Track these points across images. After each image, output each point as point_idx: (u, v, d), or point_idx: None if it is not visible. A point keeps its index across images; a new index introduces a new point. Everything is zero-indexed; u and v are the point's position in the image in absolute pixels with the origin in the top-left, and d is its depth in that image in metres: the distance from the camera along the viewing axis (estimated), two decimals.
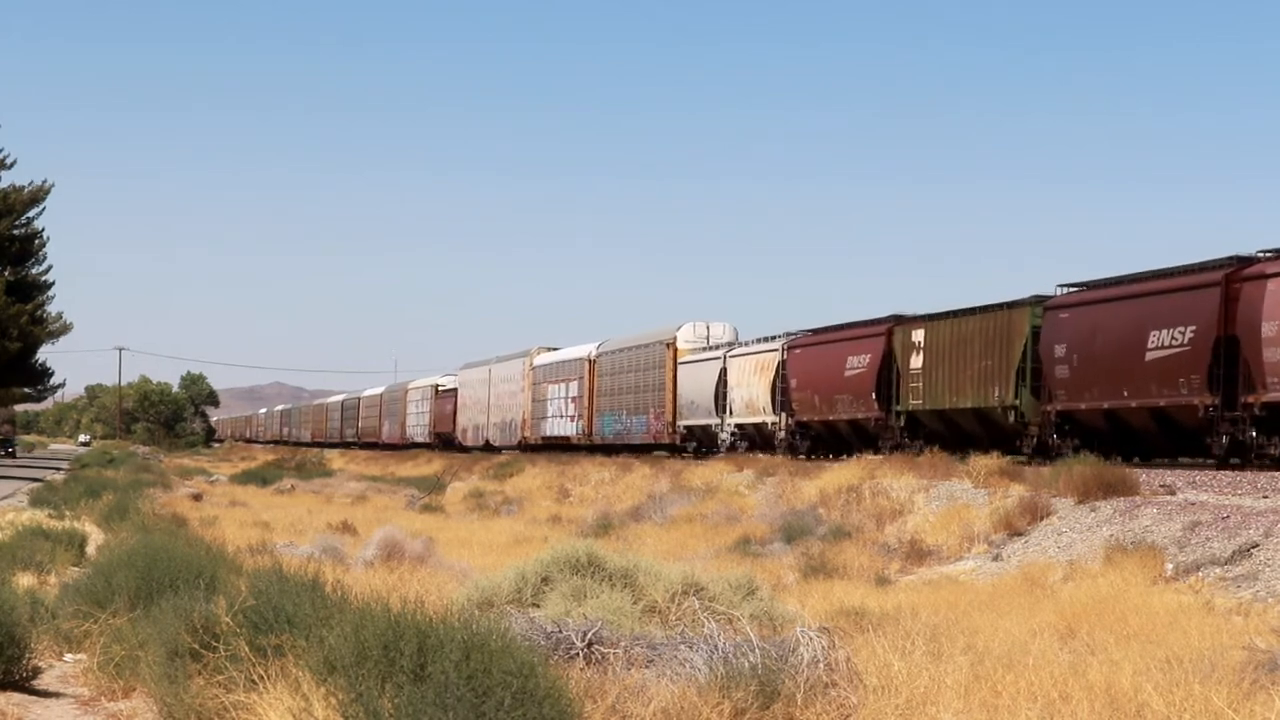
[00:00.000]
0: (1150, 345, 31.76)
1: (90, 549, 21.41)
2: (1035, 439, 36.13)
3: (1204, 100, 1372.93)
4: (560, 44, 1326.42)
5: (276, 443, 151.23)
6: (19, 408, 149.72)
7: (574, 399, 70.98)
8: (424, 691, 7.90)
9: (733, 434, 54.08)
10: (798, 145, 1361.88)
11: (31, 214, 72.77)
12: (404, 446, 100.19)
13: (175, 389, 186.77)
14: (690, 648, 10.07)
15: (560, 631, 10.44)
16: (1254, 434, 29.27)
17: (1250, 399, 29.08)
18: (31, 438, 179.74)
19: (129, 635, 11.39)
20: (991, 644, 12.49)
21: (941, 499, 29.03)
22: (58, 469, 71.44)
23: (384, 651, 8.35)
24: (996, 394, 37.62)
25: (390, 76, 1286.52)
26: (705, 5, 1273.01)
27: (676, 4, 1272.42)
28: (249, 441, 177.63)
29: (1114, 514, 23.30)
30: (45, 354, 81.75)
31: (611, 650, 10.18)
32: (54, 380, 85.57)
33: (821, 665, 9.55)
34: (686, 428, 58.79)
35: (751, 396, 52.50)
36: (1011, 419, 37.11)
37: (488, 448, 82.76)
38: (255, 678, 9.00)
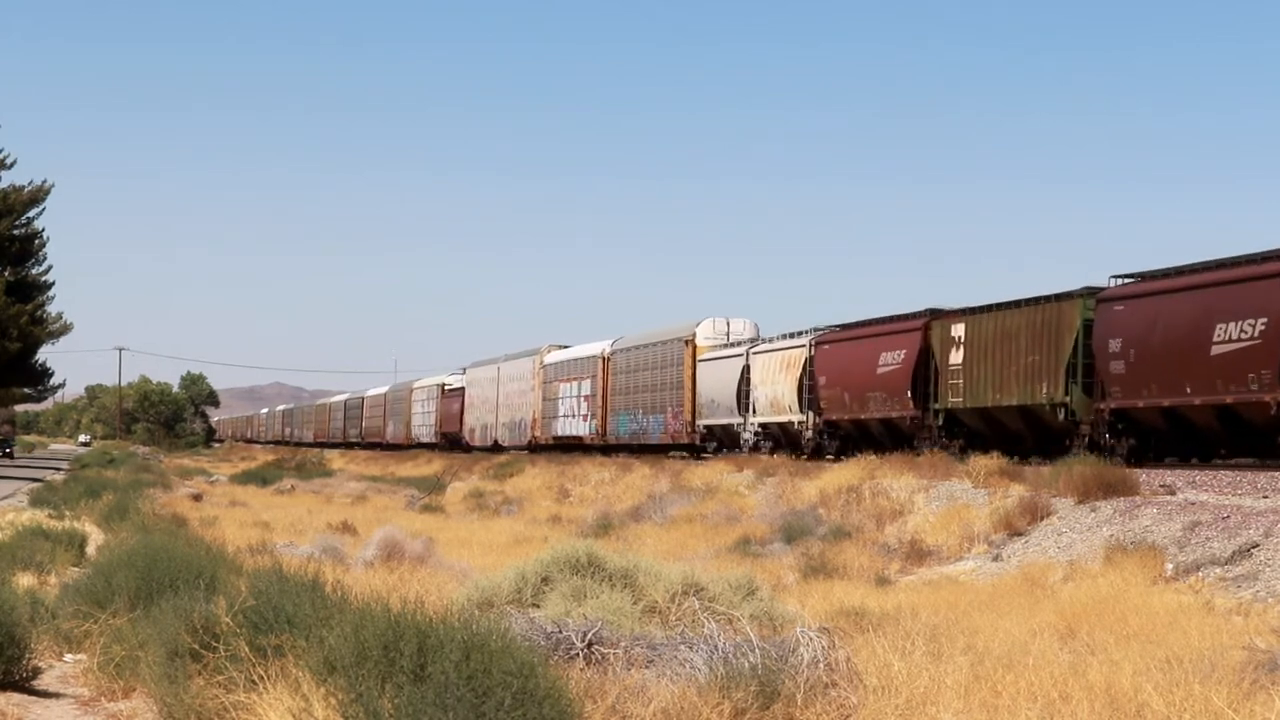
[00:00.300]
0: (1216, 339, 29.69)
1: (90, 549, 21.41)
2: (1087, 438, 34.11)
3: (1204, 100, 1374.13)
4: (560, 44, 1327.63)
5: (278, 443, 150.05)
6: (19, 408, 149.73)
7: (587, 398, 69.29)
8: (424, 692, 7.90)
9: (756, 434, 52.27)
10: (798, 145, 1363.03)
11: (31, 214, 72.86)
12: (409, 447, 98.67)
13: (175, 389, 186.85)
14: (690, 648, 10.07)
15: (560, 632, 10.44)
16: None
17: None
18: (31, 438, 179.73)
19: (129, 635, 11.39)
20: (991, 644, 12.49)
21: (941, 499, 29.03)
22: (58, 469, 71.43)
23: (384, 652, 8.35)
24: (1045, 391, 35.61)
25: (390, 76, 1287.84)
26: (705, 5, 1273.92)
27: (676, 4, 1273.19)
28: (250, 442, 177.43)
29: (1114, 514, 23.30)
30: (45, 354, 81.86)
31: (611, 650, 10.18)
32: (54, 380, 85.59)
33: (821, 665, 9.55)
34: (706, 427, 57.00)
35: (777, 395, 50.48)
36: (1061, 417, 35.09)
37: (496, 448, 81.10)
38: (255, 678, 9.00)
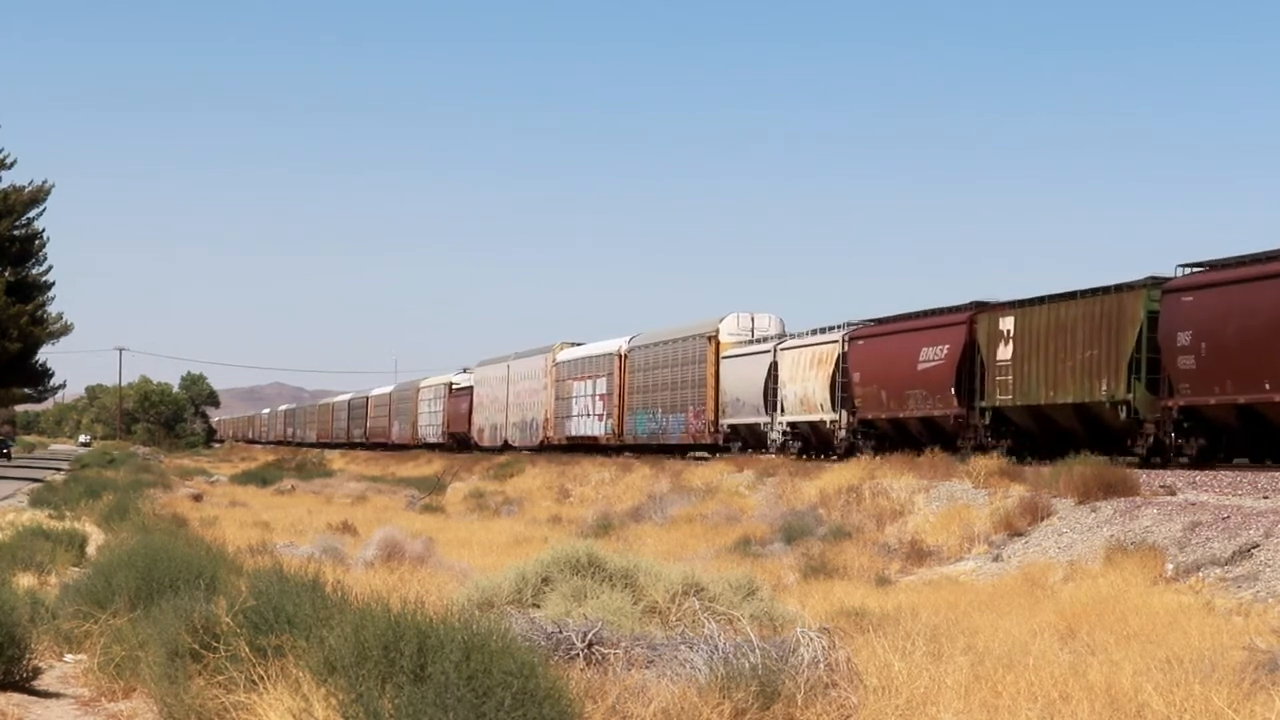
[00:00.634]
0: None
1: (90, 549, 21.42)
2: (1151, 438, 32.25)
3: (1204, 100, 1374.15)
4: (560, 44, 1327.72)
5: (280, 443, 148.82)
6: (19, 408, 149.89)
7: (602, 396, 67.10)
8: (424, 692, 7.90)
9: (784, 433, 49.94)
10: (798, 145, 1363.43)
11: (31, 214, 72.83)
12: (416, 447, 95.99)
13: (175, 389, 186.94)
14: (690, 648, 10.08)
15: (560, 632, 10.45)
16: None
17: None
18: (32, 438, 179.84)
19: (129, 635, 11.39)
20: (992, 644, 12.50)
21: (942, 499, 29.04)
22: (58, 469, 71.45)
23: (384, 652, 8.35)
24: (1104, 388, 33.39)
25: (390, 76, 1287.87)
26: (705, 5, 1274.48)
27: (676, 4, 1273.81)
28: (251, 442, 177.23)
29: (1114, 514, 23.31)
30: (45, 354, 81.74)
31: (612, 651, 10.18)
32: (54, 381, 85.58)
33: (822, 666, 9.55)
34: (731, 427, 54.67)
35: (807, 393, 48.21)
36: (1123, 416, 32.96)
37: (506, 448, 78.42)
38: (255, 678, 9.00)
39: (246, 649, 9.29)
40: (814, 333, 50.19)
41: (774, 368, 50.69)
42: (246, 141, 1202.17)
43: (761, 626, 12.68)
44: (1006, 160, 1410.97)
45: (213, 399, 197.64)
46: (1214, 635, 13.89)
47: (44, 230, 74.25)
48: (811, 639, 9.83)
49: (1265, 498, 23.00)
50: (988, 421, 38.28)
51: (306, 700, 8.46)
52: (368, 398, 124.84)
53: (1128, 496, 24.36)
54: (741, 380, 53.60)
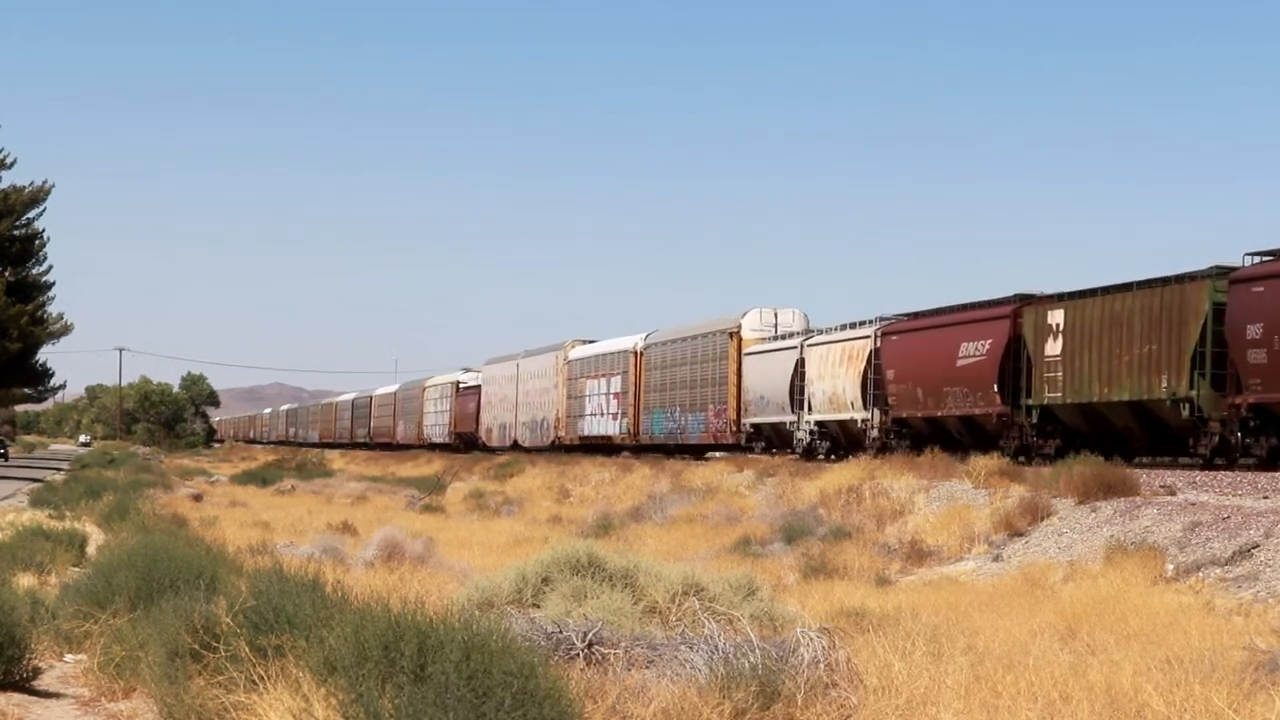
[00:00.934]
0: None
1: (90, 549, 21.42)
2: (1216, 437, 30.52)
3: (1204, 100, 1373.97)
4: (560, 44, 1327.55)
5: (283, 443, 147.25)
6: (19, 408, 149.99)
7: (617, 395, 65.26)
8: (424, 692, 7.90)
9: (812, 432, 48.13)
10: (798, 145, 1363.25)
11: (31, 214, 72.83)
12: (422, 448, 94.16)
13: (176, 389, 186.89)
14: (690, 648, 10.08)
15: (561, 632, 10.45)
16: None
17: None
18: (32, 438, 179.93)
19: (129, 635, 11.39)
20: (992, 644, 12.50)
21: (942, 499, 29.05)
22: (58, 469, 71.46)
23: (384, 652, 8.35)
24: (1164, 384, 31.43)
25: (390, 76, 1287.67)
26: (705, 5, 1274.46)
27: (676, 4, 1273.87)
28: (252, 442, 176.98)
29: (1114, 514, 23.32)
30: (45, 354, 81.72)
31: (612, 651, 10.18)
32: (54, 381, 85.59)
33: (822, 666, 9.55)
34: (754, 426, 52.76)
35: (836, 390, 46.36)
36: (1185, 414, 31.03)
37: (516, 448, 76.61)
38: (255, 678, 9.01)
39: (246, 649, 9.29)
40: (843, 328, 48.38)
41: (800, 364, 49.03)
42: (246, 141, 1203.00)
43: (761, 626, 12.68)
44: (1006, 160, 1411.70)
45: (213, 399, 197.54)
46: (1214, 635, 13.89)
47: (44, 230, 74.34)
48: (811, 639, 9.83)
49: (1265, 498, 23.01)
50: (1034, 420, 36.50)
51: (306, 700, 8.46)
52: (371, 397, 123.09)
53: (1128, 496, 24.38)
54: (766, 377, 51.84)
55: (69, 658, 12.70)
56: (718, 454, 54.81)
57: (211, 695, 9.26)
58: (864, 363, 44.77)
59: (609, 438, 65.78)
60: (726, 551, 25.23)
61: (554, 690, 8.03)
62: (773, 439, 51.80)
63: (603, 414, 67.02)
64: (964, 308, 41.41)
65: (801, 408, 48.78)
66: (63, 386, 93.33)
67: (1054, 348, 35.60)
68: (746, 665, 9.44)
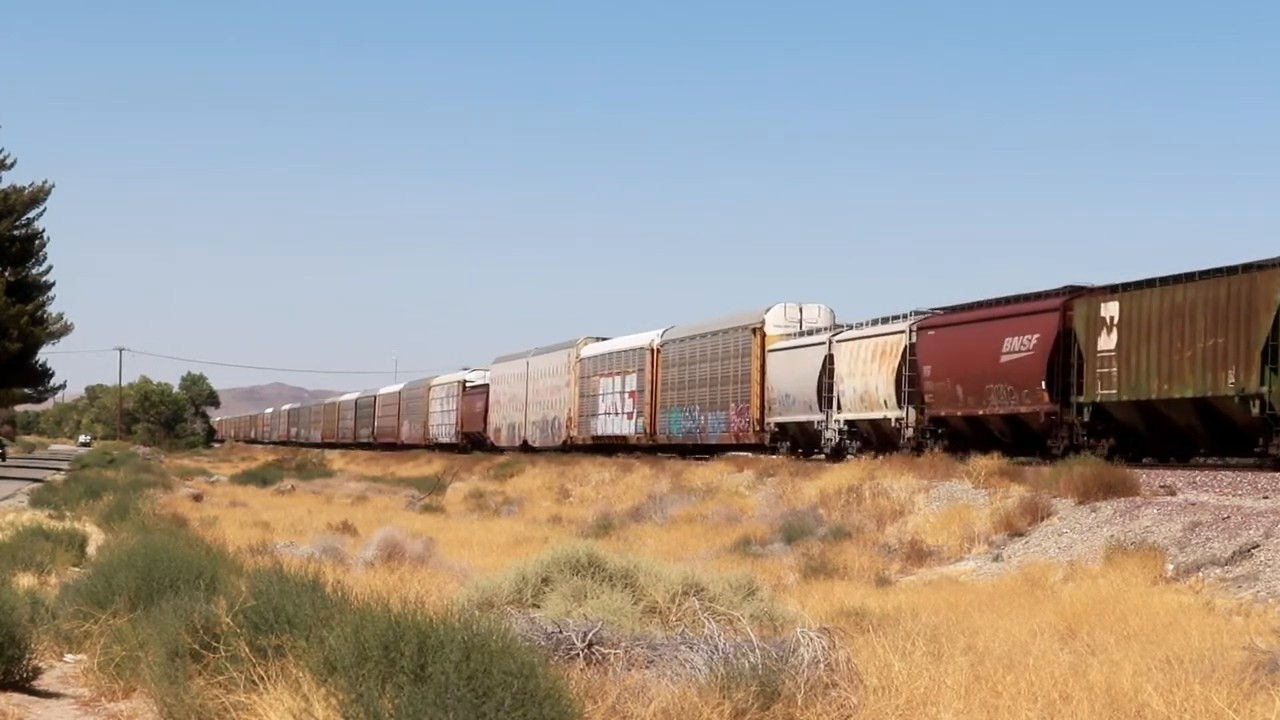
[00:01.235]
0: None
1: (90, 549, 21.41)
2: None
3: (1204, 100, 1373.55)
4: (560, 44, 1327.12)
5: (284, 443, 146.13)
6: (19, 408, 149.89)
7: (632, 394, 63.31)
8: (424, 692, 7.90)
9: (841, 432, 46.19)
10: (798, 145, 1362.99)
11: (31, 214, 72.88)
12: (427, 448, 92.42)
13: (176, 389, 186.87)
14: (690, 648, 10.08)
15: (561, 632, 10.45)
16: None
17: None
18: (32, 438, 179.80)
19: (129, 635, 11.39)
20: (992, 644, 12.50)
21: (942, 499, 29.05)
22: (58, 469, 71.45)
23: (384, 652, 8.35)
24: (1231, 380, 29.46)
25: (390, 76, 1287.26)
26: (705, 5, 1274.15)
27: (676, 4, 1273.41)
28: (253, 442, 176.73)
29: (1114, 514, 23.32)
30: (45, 354, 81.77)
31: (612, 651, 10.18)
32: (54, 381, 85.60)
33: (822, 666, 9.55)
34: (779, 425, 50.80)
35: (868, 388, 44.43)
36: (1255, 412, 28.99)
37: (525, 449, 74.73)
38: (255, 678, 9.01)
39: (246, 649, 9.29)
40: (875, 322, 46.33)
41: (829, 361, 47.05)
42: (246, 141, 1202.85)
43: (761, 626, 12.68)
44: (1007, 160, 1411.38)
45: (213, 399, 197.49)
46: (1214, 635, 13.89)
47: (44, 230, 74.39)
48: (811, 639, 9.83)
49: (1265, 498, 23.01)
50: (1085, 419, 34.42)
51: (306, 700, 8.46)
52: (375, 397, 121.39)
53: (1128, 496, 24.37)
54: (791, 375, 49.81)
55: (69, 658, 12.70)
56: (743, 455, 52.60)
57: (211, 695, 9.26)
58: (898, 359, 42.92)
59: (624, 437, 64.07)
60: (726, 551, 25.22)
61: (554, 690, 8.03)
62: (799, 439, 50.07)
63: (617, 413, 65.32)
64: (1007, 300, 39.55)
65: (830, 406, 46.95)
66: (63, 386, 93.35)
67: (1108, 342, 33.68)
68: (746, 665, 9.44)
